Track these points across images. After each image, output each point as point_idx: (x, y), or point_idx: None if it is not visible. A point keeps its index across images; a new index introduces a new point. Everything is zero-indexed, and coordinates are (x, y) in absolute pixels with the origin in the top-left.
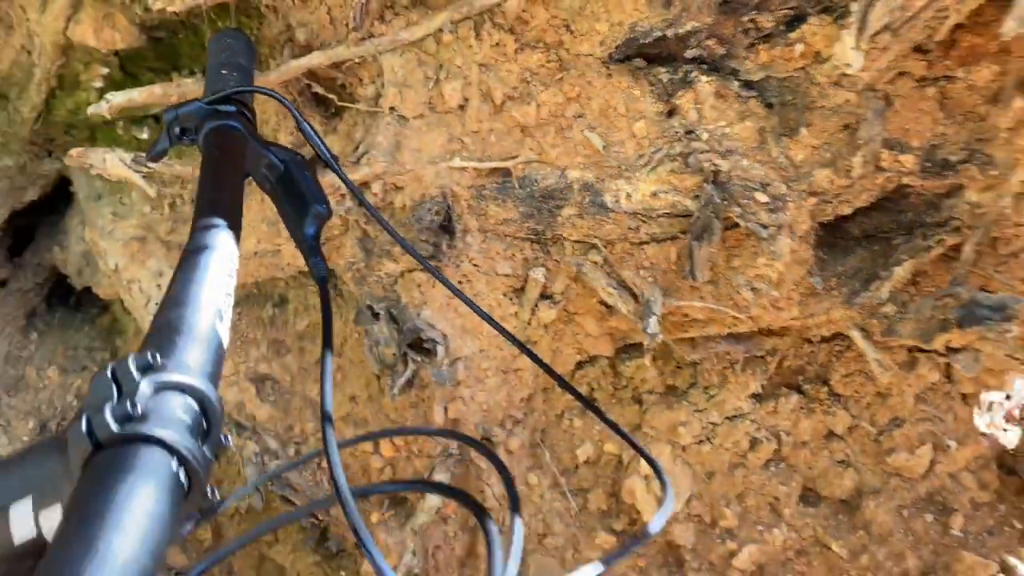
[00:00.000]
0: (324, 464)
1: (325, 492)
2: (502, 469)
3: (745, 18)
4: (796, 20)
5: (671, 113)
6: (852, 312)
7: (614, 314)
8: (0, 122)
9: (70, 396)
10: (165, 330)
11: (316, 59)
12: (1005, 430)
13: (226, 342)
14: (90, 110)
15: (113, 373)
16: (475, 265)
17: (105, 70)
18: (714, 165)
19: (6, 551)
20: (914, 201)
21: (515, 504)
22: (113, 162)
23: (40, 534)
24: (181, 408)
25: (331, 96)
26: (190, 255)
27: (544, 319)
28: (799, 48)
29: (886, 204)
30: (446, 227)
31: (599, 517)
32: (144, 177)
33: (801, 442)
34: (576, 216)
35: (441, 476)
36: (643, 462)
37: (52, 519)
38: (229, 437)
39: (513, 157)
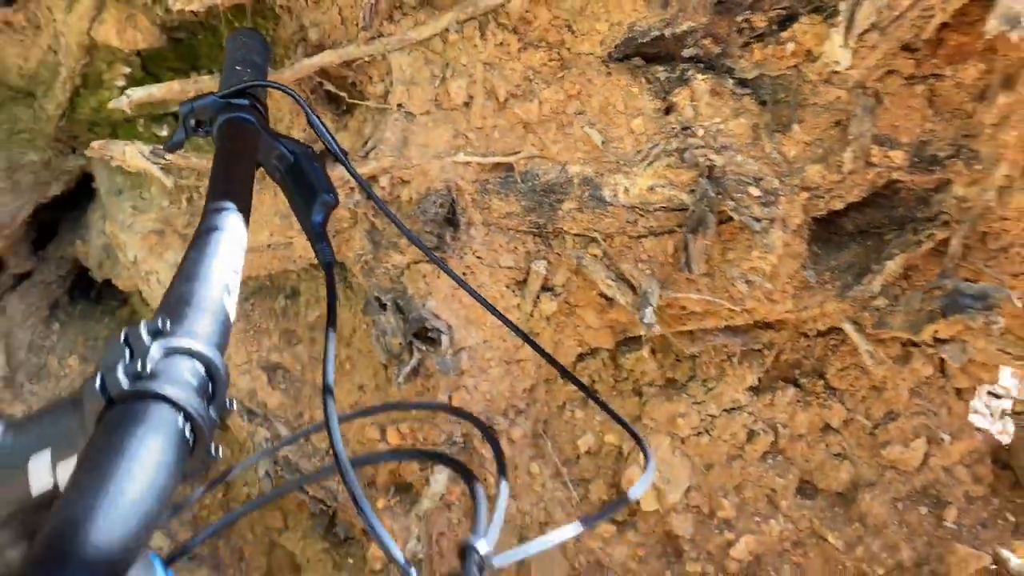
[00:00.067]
0: (330, 448)
1: (334, 477)
2: (489, 435)
3: (739, 18)
4: (788, 19)
5: (668, 110)
6: (845, 305)
7: (614, 307)
8: (27, 119)
9: None
10: (176, 301)
11: (328, 57)
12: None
13: (232, 315)
14: (111, 104)
15: (126, 337)
16: (479, 257)
17: (127, 69)
18: (709, 160)
19: (24, 502)
20: (905, 197)
21: (501, 466)
22: (132, 154)
23: (57, 486)
24: (189, 371)
25: (342, 94)
26: (201, 235)
27: (546, 311)
28: (791, 47)
29: (879, 200)
30: (450, 220)
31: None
32: (161, 169)
33: (798, 435)
34: (576, 210)
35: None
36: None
37: (68, 471)
38: (233, 402)
39: (516, 152)
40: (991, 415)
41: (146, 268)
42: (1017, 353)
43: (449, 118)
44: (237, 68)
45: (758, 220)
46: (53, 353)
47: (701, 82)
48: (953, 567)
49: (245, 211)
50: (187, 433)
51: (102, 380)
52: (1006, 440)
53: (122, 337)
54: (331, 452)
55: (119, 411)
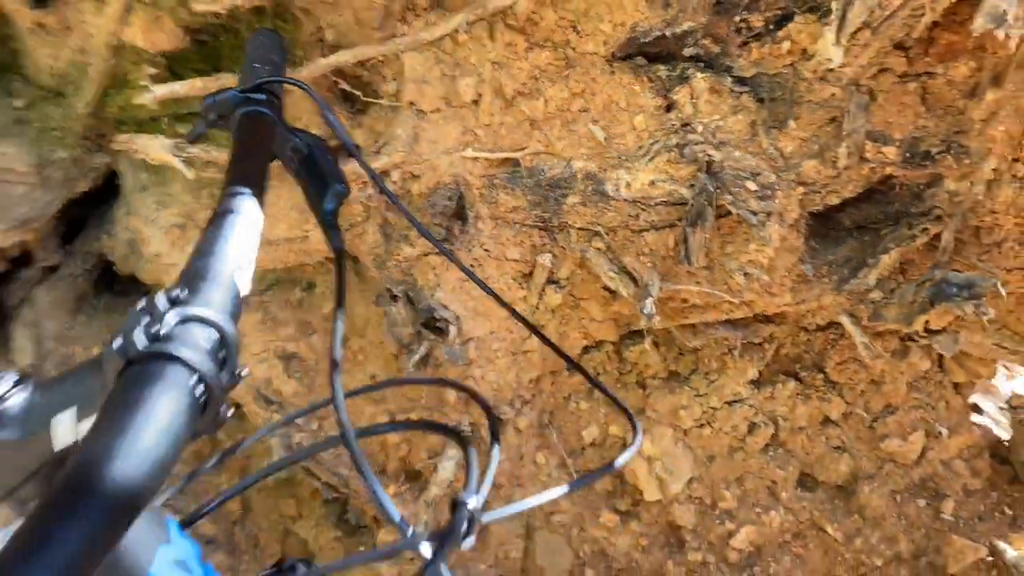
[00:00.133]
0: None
1: (344, 463)
2: (482, 402)
3: (737, 18)
4: (784, 19)
5: (669, 107)
6: (841, 298)
7: (617, 300)
8: (57, 117)
9: None
10: (192, 274)
11: (343, 57)
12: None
13: (244, 291)
14: (136, 99)
15: (145, 304)
16: (486, 250)
17: (153, 70)
18: (708, 156)
19: (47, 456)
20: (900, 192)
21: (494, 431)
22: (156, 147)
23: (78, 443)
24: (203, 337)
25: (357, 92)
26: (218, 216)
27: (551, 303)
28: (786, 45)
29: (875, 196)
30: (459, 213)
31: (604, 497)
32: (183, 161)
33: (798, 427)
34: (580, 204)
35: (451, 450)
36: (647, 445)
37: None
38: (246, 368)
39: (522, 148)
40: (990, 411)
41: (168, 261)
42: (1013, 348)
43: (458, 115)
44: (256, 66)
45: (755, 214)
46: (79, 343)
47: (701, 80)
48: (950, 559)
49: (260, 196)
50: (199, 393)
51: (122, 342)
52: (1005, 436)
53: (141, 304)
54: (339, 429)
55: (136, 370)
